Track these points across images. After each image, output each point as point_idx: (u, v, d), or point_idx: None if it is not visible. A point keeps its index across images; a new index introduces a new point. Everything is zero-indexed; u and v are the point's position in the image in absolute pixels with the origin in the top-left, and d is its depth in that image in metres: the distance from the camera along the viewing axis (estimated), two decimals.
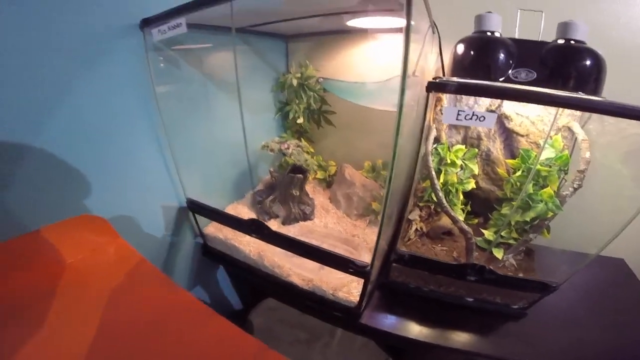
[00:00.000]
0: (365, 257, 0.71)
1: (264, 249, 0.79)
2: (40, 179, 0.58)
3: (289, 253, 0.75)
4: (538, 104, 0.62)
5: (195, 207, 0.85)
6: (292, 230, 0.87)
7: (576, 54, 0.62)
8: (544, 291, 0.63)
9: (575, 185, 0.64)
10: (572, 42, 0.63)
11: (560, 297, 0.68)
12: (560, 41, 0.64)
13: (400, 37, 0.83)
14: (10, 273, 0.43)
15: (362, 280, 0.64)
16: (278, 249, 0.77)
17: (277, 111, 1.12)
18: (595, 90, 0.63)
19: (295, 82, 1.02)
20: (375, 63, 0.97)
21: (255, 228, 0.73)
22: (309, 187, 1.02)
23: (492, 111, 0.76)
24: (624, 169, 0.68)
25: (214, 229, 0.89)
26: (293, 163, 0.95)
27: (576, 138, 0.68)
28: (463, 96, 0.79)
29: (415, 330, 0.66)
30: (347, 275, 0.67)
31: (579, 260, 0.64)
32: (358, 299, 0.66)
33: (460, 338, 0.65)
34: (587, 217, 0.71)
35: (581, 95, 0.60)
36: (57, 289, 0.45)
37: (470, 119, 0.55)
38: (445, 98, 0.74)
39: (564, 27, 0.64)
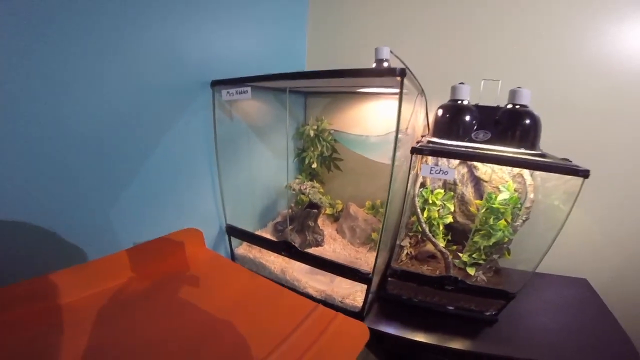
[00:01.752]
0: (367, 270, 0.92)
1: (286, 266, 1.00)
2: (136, 199, 0.79)
3: (306, 269, 0.96)
4: (486, 162, 0.87)
5: (233, 231, 1.07)
6: (308, 252, 1.07)
7: (519, 116, 0.85)
8: (505, 298, 0.82)
9: (523, 218, 0.87)
10: (518, 106, 0.86)
11: (528, 309, 0.88)
12: (509, 106, 0.87)
13: (395, 100, 1.13)
14: (154, 263, 0.66)
15: (364, 289, 0.84)
16: (297, 266, 0.98)
17: (295, 156, 1.37)
18: (533, 144, 0.85)
19: (312, 133, 1.27)
20: (377, 119, 1.24)
21: (285, 247, 0.95)
22: (320, 221, 1.24)
23: (471, 173, 1.02)
24: (562, 205, 0.88)
25: (244, 250, 1.10)
26: (309, 200, 1.18)
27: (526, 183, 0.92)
28: None
29: (408, 332, 0.83)
30: (353, 286, 0.88)
31: (537, 276, 0.83)
32: (362, 304, 0.85)
33: (444, 338, 0.82)
34: (538, 243, 0.91)
35: (522, 150, 0.85)
36: (180, 277, 0.66)
37: (439, 173, 0.78)
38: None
39: (513, 94, 0.87)
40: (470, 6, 1.12)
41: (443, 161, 1.03)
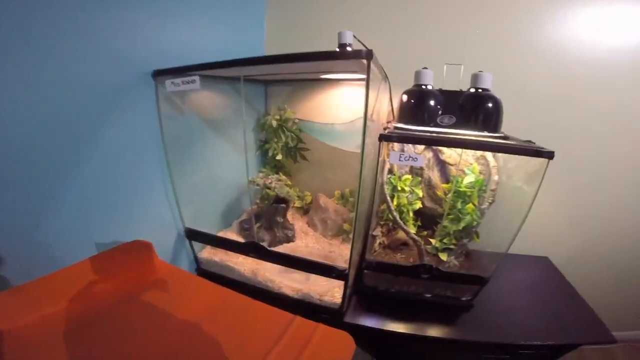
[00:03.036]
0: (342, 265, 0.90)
1: (256, 267, 0.95)
2: (73, 210, 0.69)
3: (279, 268, 0.92)
4: (455, 147, 0.88)
5: (193, 235, 0.99)
6: (279, 251, 1.03)
7: (482, 100, 0.88)
8: (479, 283, 0.84)
9: (489, 201, 0.90)
10: (480, 90, 0.88)
11: (500, 291, 0.92)
12: (472, 90, 0.89)
13: (361, 87, 1.10)
14: (90, 286, 0.57)
15: (342, 285, 0.83)
16: (269, 266, 0.94)
17: (257, 149, 1.30)
18: (496, 127, 0.88)
19: (275, 123, 1.20)
20: (342, 107, 1.20)
21: (254, 249, 0.90)
22: (289, 215, 1.20)
23: (437, 157, 1.02)
24: (525, 186, 0.93)
25: (208, 254, 1.03)
26: (276, 195, 1.13)
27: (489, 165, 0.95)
28: None
29: (388, 323, 0.84)
30: (330, 282, 0.86)
31: (503, 258, 0.87)
32: (341, 300, 0.83)
33: (425, 327, 0.83)
34: (504, 224, 0.95)
35: (485, 133, 0.87)
36: (130, 296, 0.59)
37: (408, 159, 0.77)
38: None
39: (474, 78, 0.89)
40: None
41: (409, 147, 1.03)
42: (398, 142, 0.90)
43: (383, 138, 0.78)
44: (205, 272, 1.02)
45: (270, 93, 1.33)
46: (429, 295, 0.89)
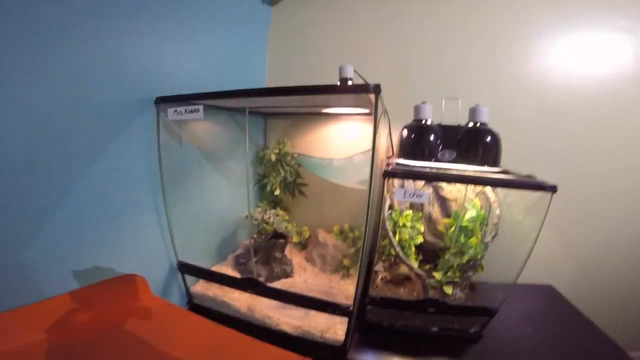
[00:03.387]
0: (345, 302, 0.87)
1: (253, 303, 0.90)
2: (59, 239, 0.66)
3: (276, 304, 0.88)
4: (460, 183, 0.90)
5: (186, 269, 0.95)
6: (276, 286, 0.98)
7: (481, 134, 0.90)
8: (488, 314, 0.82)
9: (492, 234, 0.90)
10: (478, 124, 0.91)
11: (508, 321, 0.89)
12: (470, 124, 0.92)
13: (360, 121, 1.12)
14: (75, 319, 0.52)
15: (345, 322, 0.79)
16: (266, 302, 0.89)
17: (255, 183, 1.29)
18: (495, 161, 0.90)
19: (273, 157, 1.21)
20: (341, 142, 1.23)
21: (251, 285, 0.86)
22: (286, 250, 1.16)
23: (436, 193, 1.04)
24: (525, 218, 0.93)
25: (201, 288, 0.98)
26: (273, 230, 1.10)
27: (489, 200, 0.97)
28: None
29: (394, 359, 0.79)
30: (331, 319, 0.82)
31: (508, 288, 0.85)
32: (344, 338, 0.79)
33: None
34: (507, 256, 0.94)
35: (485, 168, 0.89)
36: (119, 332, 0.54)
37: (412, 196, 0.78)
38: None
39: (472, 112, 0.91)
40: (428, 29, 1.22)
41: (409, 183, 1.05)
42: (403, 178, 0.91)
43: (387, 175, 0.78)
44: (198, 306, 0.97)
45: (269, 125, 1.35)
46: (435, 329, 0.85)
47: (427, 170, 0.84)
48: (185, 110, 0.79)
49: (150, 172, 0.87)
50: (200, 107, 0.78)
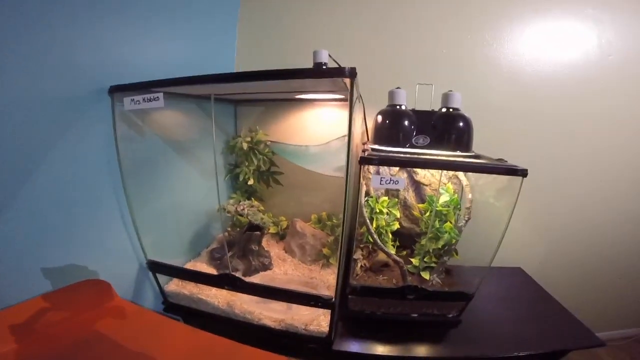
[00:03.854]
0: (326, 294, 0.87)
1: (232, 299, 0.88)
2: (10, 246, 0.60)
3: (257, 298, 0.87)
4: (435, 169, 0.91)
5: (157, 268, 0.91)
6: (255, 280, 0.97)
7: (454, 120, 0.90)
8: (465, 299, 0.85)
9: (466, 218, 0.93)
10: (451, 109, 0.91)
11: (483, 304, 0.93)
12: (443, 109, 0.92)
13: (335, 107, 1.08)
14: (40, 327, 0.48)
15: (328, 313, 0.79)
16: (246, 297, 0.88)
17: (226, 173, 1.25)
18: (467, 146, 0.91)
19: (245, 145, 1.17)
20: (317, 128, 1.20)
21: (228, 281, 0.84)
22: (264, 241, 1.15)
23: (411, 178, 1.06)
24: (496, 201, 0.97)
25: (176, 286, 0.95)
26: (248, 222, 1.07)
27: (462, 184, 0.99)
28: None
29: (378, 347, 0.81)
30: (314, 310, 0.82)
31: (482, 271, 0.88)
32: (328, 329, 0.79)
33: (416, 348, 0.82)
34: (480, 239, 0.98)
35: (458, 153, 0.90)
36: (87, 341, 0.50)
37: (389, 183, 0.78)
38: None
39: (445, 98, 0.92)
40: (401, 13, 1.20)
41: (384, 169, 1.06)
42: (380, 165, 0.91)
43: (364, 161, 0.77)
44: (174, 305, 0.94)
45: (240, 113, 1.30)
46: (415, 315, 0.88)
47: (403, 156, 0.84)
48: (144, 99, 0.72)
49: (110, 168, 0.81)
50: (160, 95, 0.72)
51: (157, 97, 0.72)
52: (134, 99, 0.73)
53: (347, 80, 0.64)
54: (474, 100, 1.13)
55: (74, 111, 0.71)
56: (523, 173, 0.71)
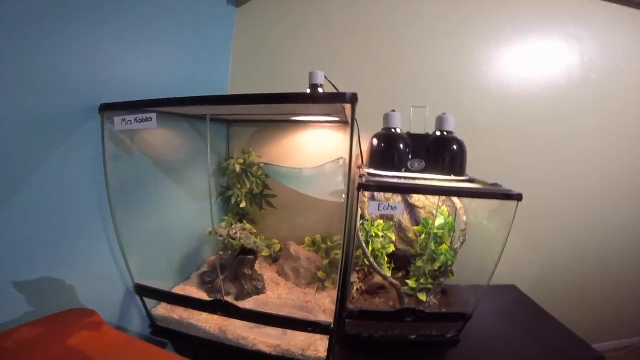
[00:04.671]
0: (321, 318, 0.87)
1: (224, 323, 0.87)
2: None
3: (250, 323, 0.85)
4: (432, 194, 0.94)
5: (145, 291, 0.89)
6: (247, 305, 0.95)
7: (447, 143, 0.94)
8: (464, 319, 0.86)
9: (461, 240, 0.96)
10: (445, 132, 0.95)
11: (481, 322, 0.94)
12: (437, 132, 0.96)
13: (330, 129, 1.10)
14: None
15: (325, 338, 0.79)
16: (239, 322, 0.86)
17: (218, 195, 1.24)
18: (461, 170, 0.95)
19: (238, 167, 1.17)
20: (311, 150, 1.23)
21: (221, 307, 0.83)
22: (256, 264, 1.13)
23: (405, 201, 1.10)
24: (489, 223, 0.99)
25: (164, 310, 0.93)
26: (241, 245, 1.05)
27: (456, 206, 1.03)
28: None
29: None
30: (310, 335, 0.81)
31: (479, 290, 0.89)
32: (325, 354, 0.78)
33: None
34: (474, 259, 0.99)
35: (452, 177, 0.94)
36: None
37: (387, 209, 0.79)
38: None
39: (439, 121, 0.96)
40: (395, 37, 1.27)
41: (380, 194, 1.08)
42: (378, 191, 0.93)
43: (362, 187, 0.77)
44: (162, 329, 0.91)
45: (233, 133, 1.31)
46: (414, 336, 0.88)
47: (401, 182, 0.87)
48: (136, 119, 0.72)
49: (96, 189, 0.80)
50: (154, 116, 0.71)
51: (150, 117, 0.71)
52: (125, 119, 0.73)
53: (348, 106, 0.66)
54: (465, 120, 1.17)
55: (60, 129, 0.69)
56: (518, 197, 0.75)
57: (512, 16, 1.26)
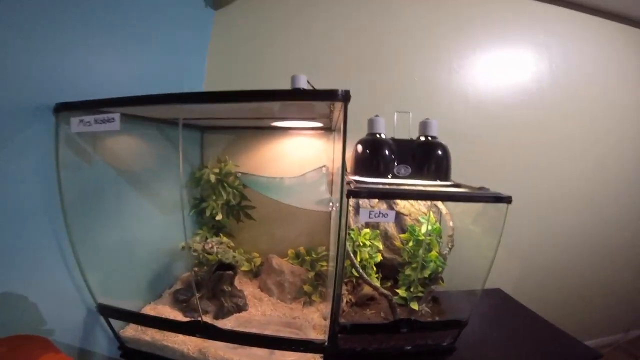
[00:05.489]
0: (312, 335, 0.82)
1: (204, 345, 0.80)
2: None
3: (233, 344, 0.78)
4: (423, 199, 0.94)
5: (110, 312, 0.81)
6: (229, 324, 0.89)
7: (432, 148, 0.95)
8: (459, 326, 0.85)
9: (449, 246, 0.96)
10: (429, 137, 0.96)
11: (473, 327, 0.91)
12: (422, 138, 0.97)
13: (311, 137, 1.05)
14: None
15: (318, 356, 0.74)
16: (220, 342, 0.79)
17: (191, 208, 1.17)
18: (446, 175, 0.95)
19: (213, 178, 1.11)
20: (292, 158, 1.20)
21: (200, 329, 0.76)
22: (235, 280, 1.06)
23: (391, 208, 1.07)
24: (475, 227, 1.00)
25: (134, 332, 0.85)
26: (218, 260, 0.98)
27: (441, 212, 1.03)
28: None
29: None
30: (301, 354, 0.76)
31: (469, 296, 0.89)
32: None
33: None
34: (461, 264, 0.99)
35: (438, 182, 0.94)
36: None
37: (378, 216, 0.77)
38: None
39: (423, 126, 0.97)
40: (375, 41, 1.29)
41: (364, 201, 1.07)
42: (368, 197, 0.91)
43: (352, 194, 0.73)
44: (133, 352, 0.83)
45: (207, 141, 1.24)
46: (409, 347, 0.85)
47: (393, 187, 0.85)
48: (96, 120, 0.65)
49: (49, 199, 0.72)
50: (117, 116, 0.65)
51: (113, 118, 0.65)
52: (83, 120, 0.66)
53: (337, 106, 0.64)
54: (446, 126, 1.15)
55: (6, 130, 0.62)
56: (508, 200, 0.75)
57: (489, 23, 1.33)
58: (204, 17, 1.24)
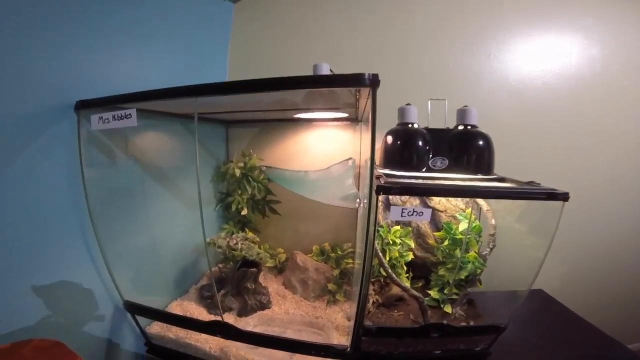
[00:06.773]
0: (334, 336, 0.79)
1: (226, 344, 0.80)
2: None
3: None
4: (464, 197, 0.87)
5: (136, 310, 0.83)
6: (252, 322, 0.88)
7: (472, 138, 0.87)
8: (497, 332, 0.78)
9: (490, 246, 0.88)
10: (469, 127, 0.88)
11: (511, 331, 0.84)
12: (460, 127, 0.89)
13: (336, 128, 1.00)
14: None
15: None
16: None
17: (217, 203, 1.18)
18: (489, 168, 0.86)
19: (238, 172, 1.11)
20: (317, 151, 1.17)
21: (220, 329, 0.76)
22: (260, 276, 1.06)
23: (425, 204, 1.01)
24: (520, 226, 0.92)
25: (160, 328, 0.87)
26: (243, 256, 0.98)
27: (481, 208, 0.95)
28: None
29: None
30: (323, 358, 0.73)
31: (509, 298, 0.82)
32: None
33: None
34: (506, 264, 0.90)
35: (480, 176, 0.86)
36: None
37: (412, 214, 0.69)
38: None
39: (461, 114, 0.89)
40: (404, 27, 1.21)
41: (395, 198, 1.01)
42: (400, 194, 0.85)
43: (382, 190, 0.67)
44: (158, 348, 0.85)
45: (232, 135, 1.25)
46: (438, 352, 0.80)
47: (429, 183, 0.79)
48: (114, 117, 0.66)
49: (76, 198, 0.73)
50: (133, 112, 0.65)
51: (130, 114, 0.64)
52: (102, 117, 0.67)
53: (366, 91, 0.60)
54: (486, 114, 1.08)
55: (31, 130, 0.63)
56: (565, 197, 0.66)
57: (531, 6, 1.20)
58: (223, 10, 1.23)
